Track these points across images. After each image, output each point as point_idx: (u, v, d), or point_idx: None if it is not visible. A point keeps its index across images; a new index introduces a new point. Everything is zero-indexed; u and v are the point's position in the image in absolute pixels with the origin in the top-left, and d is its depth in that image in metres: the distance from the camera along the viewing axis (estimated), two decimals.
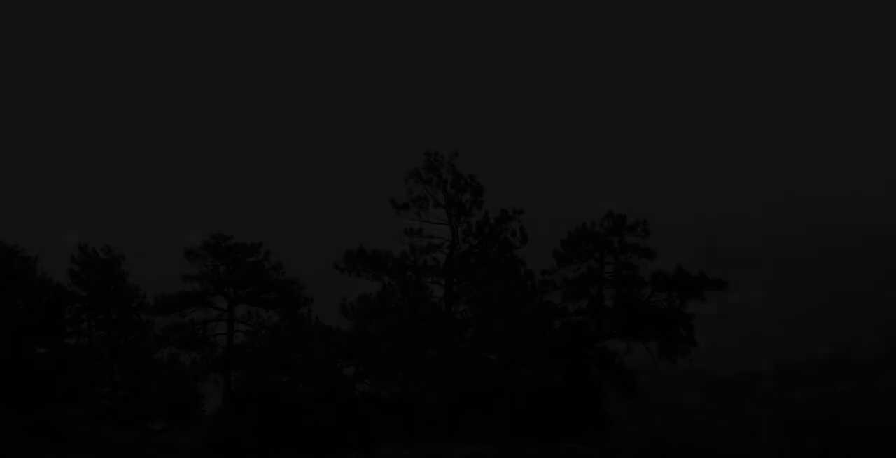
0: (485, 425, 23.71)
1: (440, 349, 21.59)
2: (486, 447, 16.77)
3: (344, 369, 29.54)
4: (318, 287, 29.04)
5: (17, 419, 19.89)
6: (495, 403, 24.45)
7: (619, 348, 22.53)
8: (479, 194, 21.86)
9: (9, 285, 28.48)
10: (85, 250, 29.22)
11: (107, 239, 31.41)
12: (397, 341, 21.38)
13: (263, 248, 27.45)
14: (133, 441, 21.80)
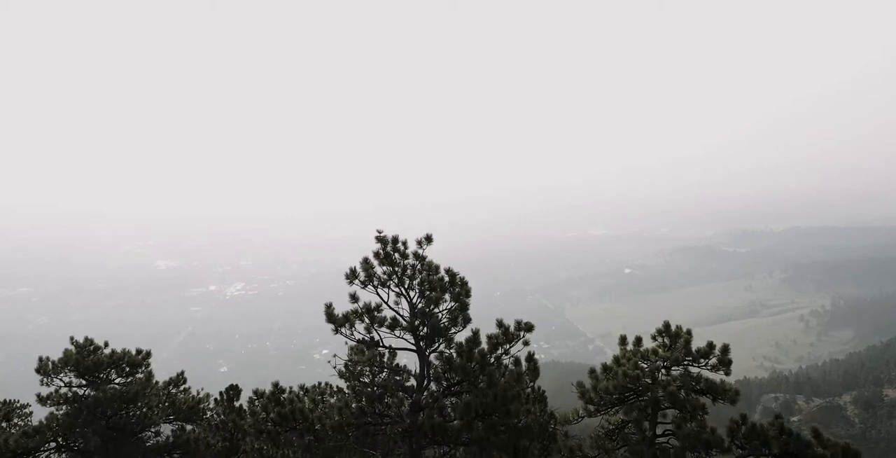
0: None
1: None
2: None
3: None
4: None
5: None
6: None
7: None
8: (465, 303, 13.88)
9: None
10: None
11: None
12: None
13: (151, 359, 19.59)
14: None
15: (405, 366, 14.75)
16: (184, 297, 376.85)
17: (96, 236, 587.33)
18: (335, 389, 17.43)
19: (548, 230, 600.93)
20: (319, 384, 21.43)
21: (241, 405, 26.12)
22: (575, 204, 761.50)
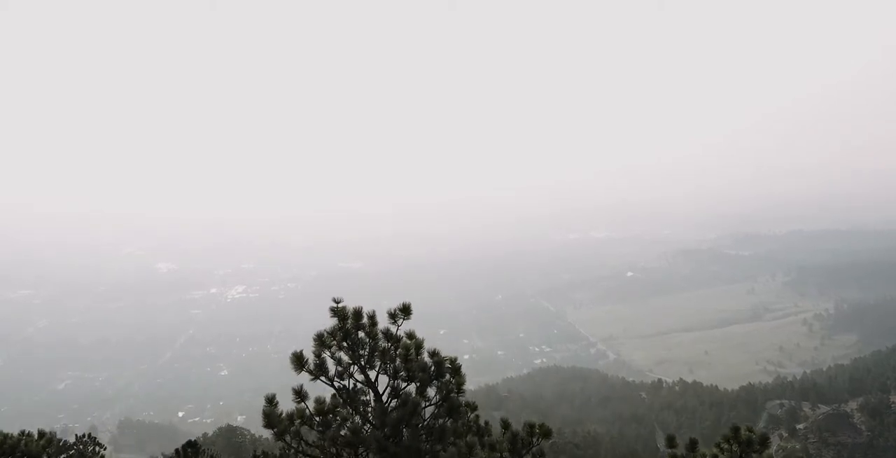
0: None
1: None
2: None
3: None
4: None
5: None
6: None
7: None
8: (456, 403, 9.85)
9: None
10: None
11: None
12: None
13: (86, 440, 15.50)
14: None
15: None
16: (185, 299, 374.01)
17: (97, 238, 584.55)
18: None
19: (550, 232, 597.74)
20: None
21: None
22: (576, 206, 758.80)
